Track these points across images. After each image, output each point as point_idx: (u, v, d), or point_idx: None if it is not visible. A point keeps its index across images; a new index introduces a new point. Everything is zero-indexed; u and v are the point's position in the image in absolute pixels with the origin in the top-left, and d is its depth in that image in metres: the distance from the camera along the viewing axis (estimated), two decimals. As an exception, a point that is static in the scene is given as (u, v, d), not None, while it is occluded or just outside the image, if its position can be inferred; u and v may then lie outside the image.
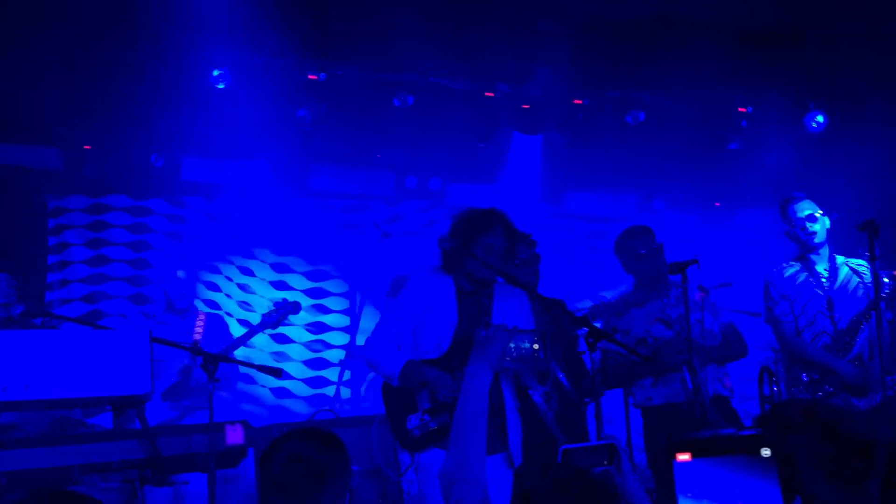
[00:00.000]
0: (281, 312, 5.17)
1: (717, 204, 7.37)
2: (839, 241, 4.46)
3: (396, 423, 3.45)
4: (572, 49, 5.78)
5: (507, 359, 3.12)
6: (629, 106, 6.38)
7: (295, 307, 5.25)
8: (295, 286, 6.75)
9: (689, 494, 1.30)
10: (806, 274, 4.33)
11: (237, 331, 5.89)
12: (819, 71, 6.04)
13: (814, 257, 4.33)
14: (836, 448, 1.51)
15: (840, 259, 4.37)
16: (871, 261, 3.93)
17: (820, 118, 6.42)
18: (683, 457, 1.31)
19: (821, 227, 4.28)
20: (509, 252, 3.54)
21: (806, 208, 4.29)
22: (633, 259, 4.30)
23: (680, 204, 7.20)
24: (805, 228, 4.27)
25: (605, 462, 2.21)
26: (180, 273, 5.29)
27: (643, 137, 6.50)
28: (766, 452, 1.31)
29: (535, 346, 3.16)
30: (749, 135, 6.58)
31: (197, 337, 5.07)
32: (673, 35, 5.59)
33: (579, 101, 6.32)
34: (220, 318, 5.58)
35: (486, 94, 6.15)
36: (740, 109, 6.56)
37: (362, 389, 6.37)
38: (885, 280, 4.13)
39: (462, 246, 3.48)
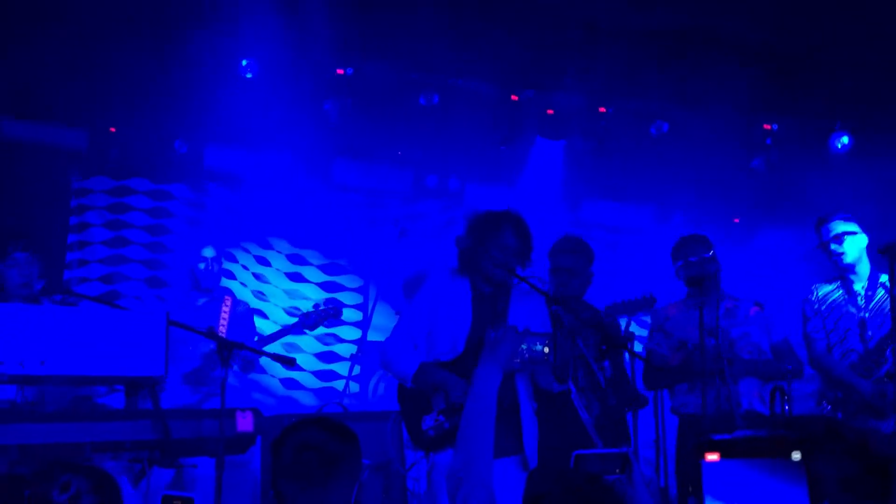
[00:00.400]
0: (322, 315, 5.11)
1: (737, 220, 7.35)
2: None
3: (412, 423, 3.47)
4: (600, 58, 5.78)
5: (518, 360, 3.12)
6: (654, 117, 6.37)
7: (336, 312, 5.19)
8: (310, 278, 6.78)
9: (717, 494, 1.30)
10: (842, 292, 4.33)
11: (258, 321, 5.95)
12: (846, 91, 6.01)
13: (852, 276, 4.31)
14: (858, 466, 1.51)
15: (883, 277, 4.31)
16: (890, 284, 3.92)
17: (845, 139, 6.39)
18: (712, 457, 1.31)
19: (850, 247, 4.25)
20: (523, 253, 3.54)
21: (836, 228, 4.28)
22: (684, 265, 4.32)
23: (699, 218, 7.17)
24: (832, 250, 4.26)
25: (618, 471, 2.21)
26: (208, 251, 5.23)
27: (666, 149, 6.49)
28: (796, 456, 1.30)
29: (546, 349, 3.16)
30: (773, 153, 6.55)
31: (223, 322, 5.05)
32: (702, 49, 5.59)
33: (604, 110, 6.32)
34: (246, 305, 5.55)
35: (512, 97, 6.16)
36: (765, 127, 6.53)
37: (370, 385, 6.39)
38: None
39: (476, 245, 3.50)
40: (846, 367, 4.21)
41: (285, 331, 5.20)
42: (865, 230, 4.40)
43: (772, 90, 6.06)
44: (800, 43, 5.69)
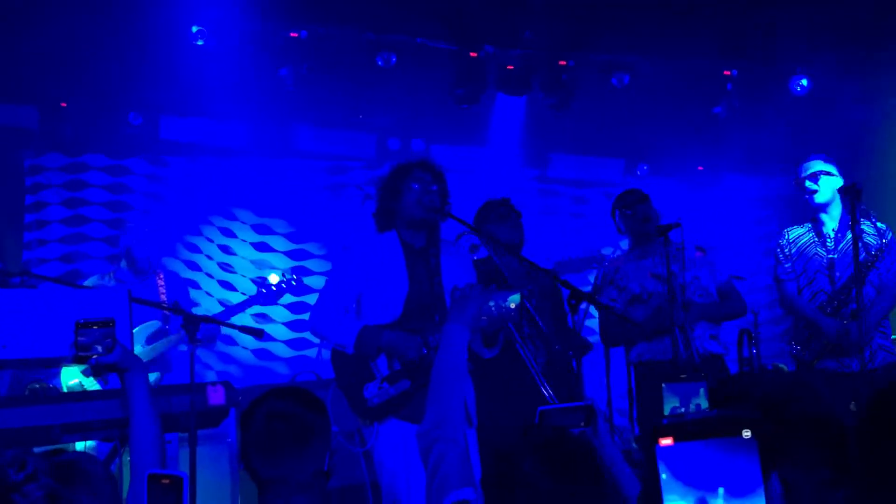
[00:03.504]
0: (278, 293, 5.09)
1: (700, 168, 7.38)
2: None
3: (352, 392, 3.33)
4: (558, 10, 5.71)
5: (485, 317, 3.07)
6: (614, 68, 6.33)
7: (298, 282, 5.20)
8: (276, 247, 6.72)
9: (672, 478, 1.33)
10: (812, 234, 4.37)
11: (213, 290, 5.83)
12: (802, 34, 6.01)
13: (823, 217, 4.35)
14: (811, 440, 1.53)
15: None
16: (851, 224, 3.96)
17: (804, 81, 6.41)
18: (666, 441, 1.34)
19: (824, 187, 4.29)
20: (442, 191, 3.46)
21: (812, 167, 4.31)
22: (622, 218, 4.36)
23: (664, 168, 7.20)
24: (806, 187, 4.30)
25: (583, 423, 2.21)
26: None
27: (628, 100, 6.47)
28: (746, 434, 1.34)
29: (513, 305, 3.12)
30: (734, 98, 6.56)
31: (162, 297, 4.88)
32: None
33: (564, 63, 6.26)
34: (177, 276, 5.35)
35: (471, 54, 6.07)
36: (725, 73, 6.53)
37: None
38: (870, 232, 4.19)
39: (394, 192, 3.43)
40: (814, 308, 4.27)
41: (251, 301, 5.12)
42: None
43: (730, 36, 6.05)
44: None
